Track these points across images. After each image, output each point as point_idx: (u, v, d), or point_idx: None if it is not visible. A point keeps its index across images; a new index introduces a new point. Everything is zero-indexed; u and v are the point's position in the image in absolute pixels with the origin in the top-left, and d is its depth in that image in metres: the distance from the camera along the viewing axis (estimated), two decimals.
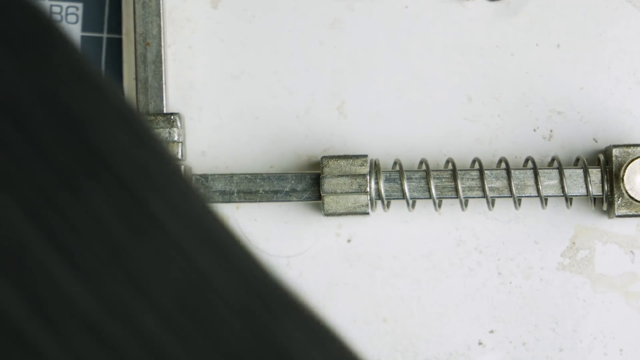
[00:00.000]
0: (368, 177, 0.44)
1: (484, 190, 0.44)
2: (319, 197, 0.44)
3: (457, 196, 0.44)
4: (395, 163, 0.45)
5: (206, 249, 0.27)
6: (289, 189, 0.44)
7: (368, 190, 0.44)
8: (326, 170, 0.44)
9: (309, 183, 0.44)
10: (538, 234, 0.45)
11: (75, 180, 0.26)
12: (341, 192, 0.44)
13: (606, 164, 0.44)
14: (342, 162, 0.44)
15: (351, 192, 0.44)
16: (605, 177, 0.43)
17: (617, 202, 0.43)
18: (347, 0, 0.45)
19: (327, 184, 0.44)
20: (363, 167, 0.44)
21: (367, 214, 0.44)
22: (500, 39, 0.45)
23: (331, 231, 0.46)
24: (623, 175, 0.43)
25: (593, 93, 0.45)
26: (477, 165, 0.44)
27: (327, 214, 0.44)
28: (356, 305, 0.46)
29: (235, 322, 0.26)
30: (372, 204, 0.44)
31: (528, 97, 0.45)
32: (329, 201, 0.44)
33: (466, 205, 0.44)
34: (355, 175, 0.44)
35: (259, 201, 0.44)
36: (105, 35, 0.47)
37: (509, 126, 0.45)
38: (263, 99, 0.46)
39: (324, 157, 0.44)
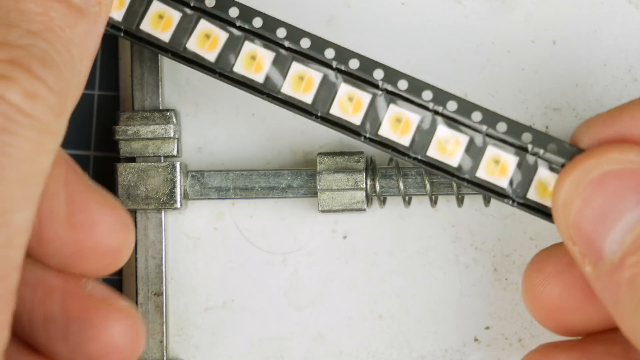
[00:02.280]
0: (364, 174, 0.44)
1: None
2: (315, 194, 0.44)
3: (454, 192, 0.44)
4: (391, 159, 0.45)
5: None
6: (285, 185, 0.44)
7: (364, 187, 0.44)
8: (322, 166, 0.44)
9: (305, 179, 0.44)
10: (534, 230, 0.45)
11: None
12: (337, 189, 0.44)
13: None
14: (339, 159, 0.44)
15: (347, 189, 0.44)
16: None
17: None
18: None
19: (323, 181, 0.44)
20: (359, 163, 0.44)
21: (364, 210, 0.44)
22: (496, 35, 0.45)
23: (327, 227, 0.46)
24: None
25: (589, 90, 0.45)
26: None
27: (323, 211, 0.44)
28: (352, 301, 0.46)
29: None
30: (368, 201, 0.44)
31: (524, 93, 0.45)
32: (325, 198, 0.44)
33: (462, 201, 0.44)
34: (351, 172, 0.44)
35: (255, 197, 0.44)
36: None
37: None
38: None
39: (319, 154, 0.44)
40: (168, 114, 0.44)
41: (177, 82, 0.45)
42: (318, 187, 0.44)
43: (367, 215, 0.46)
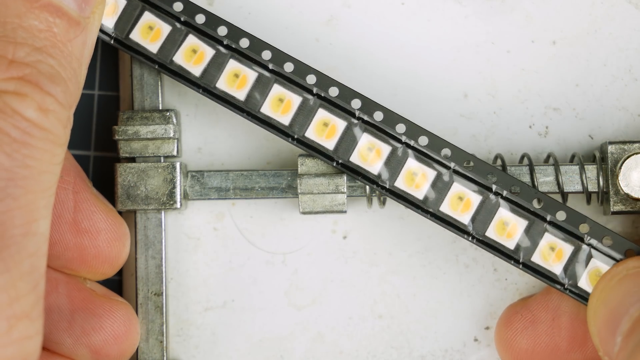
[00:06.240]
0: (345, 178, 0.43)
1: None
2: None
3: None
4: None
5: None
6: (285, 185, 0.44)
7: (345, 190, 0.43)
8: (303, 169, 0.43)
9: None
10: None
11: None
12: (318, 192, 0.43)
13: (602, 161, 0.44)
14: (320, 161, 0.43)
15: (328, 193, 0.43)
16: (601, 173, 0.43)
17: (613, 198, 0.43)
18: None
19: (304, 185, 0.43)
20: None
21: (344, 212, 0.43)
22: (496, 35, 0.45)
23: (327, 228, 0.46)
24: (619, 172, 0.43)
25: (589, 90, 0.45)
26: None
27: (304, 212, 0.43)
28: (352, 301, 0.46)
29: None
30: (368, 201, 0.44)
31: (524, 93, 0.45)
32: (306, 200, 0.43)
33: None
34: (332, 176, 0.43)
35: (255, 198, 0.44)
36: None
37: (504, 123, 0.45)
38: None
39: (300, 155, 0.44)
40: (168, 114, 0.44)
41: (177, 82, 0.45)
42: (299, 190, 0.43)
43: (367, 215, 0.46)
